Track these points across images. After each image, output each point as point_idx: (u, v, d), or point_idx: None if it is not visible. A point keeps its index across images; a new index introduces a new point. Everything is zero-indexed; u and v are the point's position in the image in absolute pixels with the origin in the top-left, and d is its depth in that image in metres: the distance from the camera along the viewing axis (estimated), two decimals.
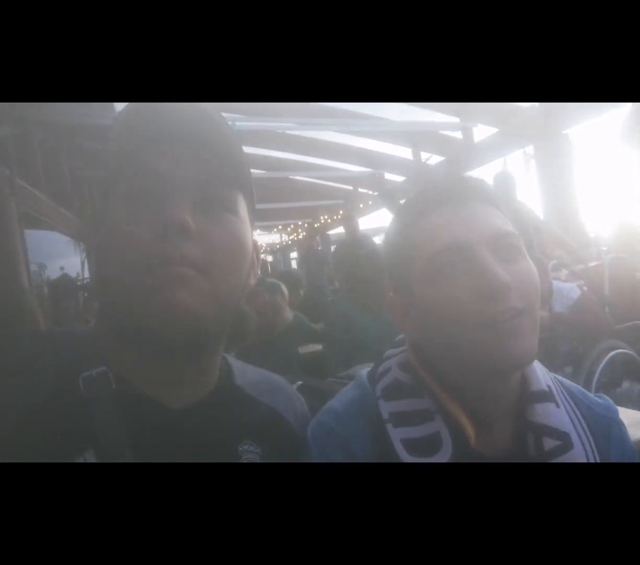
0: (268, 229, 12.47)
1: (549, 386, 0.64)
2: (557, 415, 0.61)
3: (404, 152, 7.44)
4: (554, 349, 2.57)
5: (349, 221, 4.90)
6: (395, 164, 7.71)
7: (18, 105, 3.76)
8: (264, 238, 13.38)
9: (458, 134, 6.40)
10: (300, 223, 11.80)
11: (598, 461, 0.61)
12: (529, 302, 0.56)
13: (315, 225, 10.96)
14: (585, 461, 0.60)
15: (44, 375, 0.51)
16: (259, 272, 0.64)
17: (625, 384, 2.60)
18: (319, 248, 7.66)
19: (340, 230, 11.03)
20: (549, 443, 0.60)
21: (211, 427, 0.57)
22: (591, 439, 0.62)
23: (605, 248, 3.77)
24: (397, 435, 0.59)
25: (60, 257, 4.81)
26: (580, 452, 0.60)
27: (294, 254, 13.93)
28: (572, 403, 0.65)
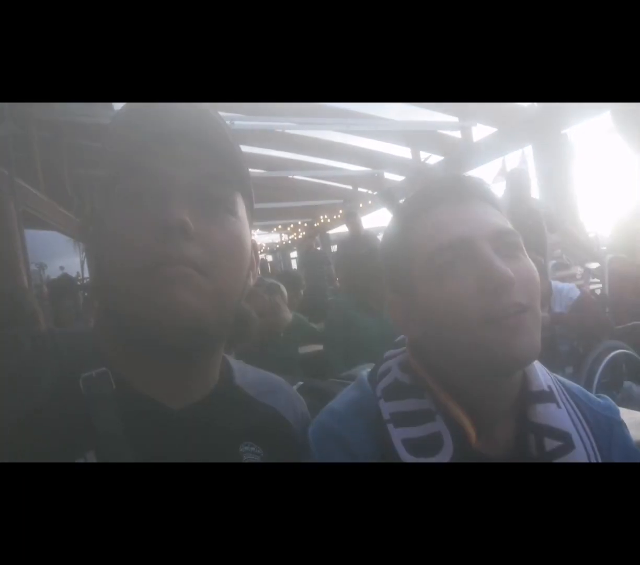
0: (268, 228, 12.47)
1: (549, 387, 0.64)
2: (558, 415, 0.61)
3: (403, 152, 7.45)
4: (554, 350, 2.57)
5: (350, 218, 4.73)
6: (395, 164, 7.72)
7: (18, 104, 3.76)
8: (263, 237, 13.39)
9: (457, 134, 6.41)
10: (299, 223, 11.80)
11: (599, 461, 0.61)
12: (531, 298, 0.56)
13: (315, 225, 10.97)
14: (587, 461, 0.60)
15: (44, 375, 0.51)
16: (259, 272, 0.64)
17: (626, 385, 2.61)
18: (319, 248, 7.65)
19: (340, 229, 11.04)
20: (550, 444, 0.60)
21: (211, 428, 0.57)
22: (593, 440, 0.61)
23: (604, 248, 3.77)
24: (398, 435, 0.59)
25: (60, 256, 4.81)
26: (582, 453, 0.60)
27: (293, 254, 13.93)
28: (573, 403, 0.65)
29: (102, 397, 0.51)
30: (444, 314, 0.57)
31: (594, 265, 3.39)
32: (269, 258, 13.63)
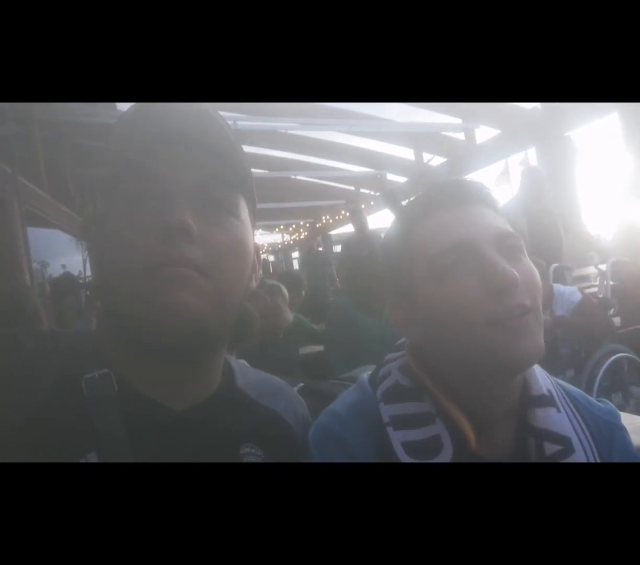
0: (270, 228, 12.48)
1: (549, 391, 0.64)
2: (558, 419, 0.61)
3: (406, 153, 7.45)
4: (555, 353, 2.56)
5: (356, 216, 4.62)
6: (398, 165, 7.72)
7: (20, 104, 3.77)
8: (265, 238, 13.40)
9: (460, 136, 6.40)
10: (301, 223, 11.80)
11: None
12: (534, 300, 0.57)
13: (317, 226, 10.97)
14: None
15: (45, 376, 0.51)
16: (261, 274, 0.64)
17: (627, 388, 2.60)
18: (320, 249, 7.66)
19: (341, 230, 11.04)
20: (550, 448, 0.60)
21: (212, 430, 0.57)
22: (593, 444, 0.61)
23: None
24: (397, 438, 0.59)
25: (62, 255, 4.81)
26: (582, 457, 0.59)
27: (295, 254, 13.93)
28: (573, 407, 0.65)
29: (104, 398, 0.51)
30: (447, 315, 0.57)
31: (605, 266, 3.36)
32: (271, 258, 13.62)
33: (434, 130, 6.51)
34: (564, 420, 0.62)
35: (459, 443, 0.58)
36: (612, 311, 3.17)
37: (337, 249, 10.81)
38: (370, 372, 0.71)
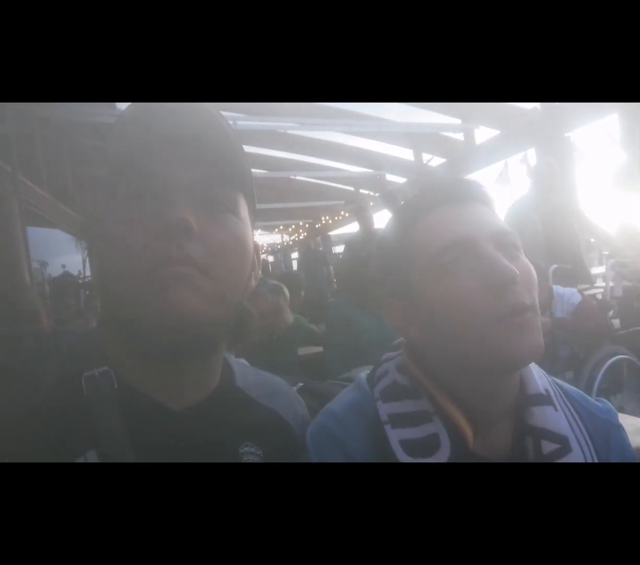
0: (269, 229, 12.47)
1: (546, 390, 0.64)
2: (556, 418, 0.62)
3: (406, 154, 7.44)
4: (554, 355, 2.56)
5: (362, 213, 4.50)
6: (397, 165, 7.72)
7: (20, 103, 3.77)
8: (265, 238, 13.39)
9: (460, 136, 6.40)
10: (301, 223, 11.80)
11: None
12: (533, 297, 0.57)
13: (317, 226, 10.97)
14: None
15: (46, 374, 0.52)
16: (260, 273, 0.65)
17: (626, 390, 2.60)
18: (320, 249, 7.65)
19: (341, 231, 11.04)
20: (547, 446, 0.60)
21: (212, 429, 0.57)
22: (590, 443, 0.62)
23: (606, 252, 3.75)
24: (395, 436, 0.60)
25: (62, 254, 4.81)
26: (579, 456, 0.60)
27: (294, 255, 13.93)
28: (571, 406, 0.65)
29: (104, 396, 0.52)
30: (447, 313, 0.57)
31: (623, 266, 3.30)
32: (270, 259, 13.62)
33: (434, 130, 6.51)
34: (561, 419, 0.62)
35: (456, 441, 0.58)
36: (611, 313, 3.17)
37: (337, 249, 10.82)
38: (368, 372, 0.71)
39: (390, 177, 8.29)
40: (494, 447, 0.62)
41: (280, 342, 2.65)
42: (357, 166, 8.20)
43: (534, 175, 3.70)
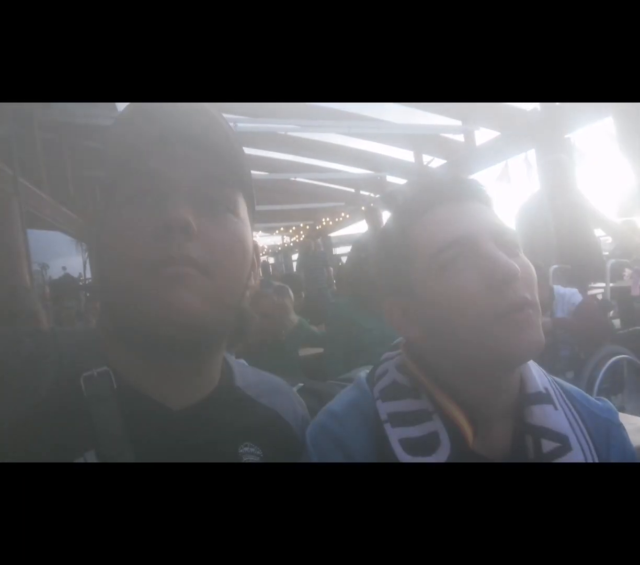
0: (269, 230, 12.47)
1: (546, 388, 0.64)
2: (555, 417, 0.62)
3: (406, 155, 7.44)
4: (555, 355, 2.56)
5: (372, 214, 4.45)
6: (397, 167, 7.71)
7: (21, 105, 3.77)
8: (265, 240, 13.38)
9: (460, 137, 6.40)
10: (301, 225, 11.80)
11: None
12: (533, 294, 0.57)
13: (317, 228, 10.97)
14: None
15: (45, 374, 0.52)
16: (260, 274, 0.65)
17: (627, 390, 2.60)
18: (321, 249, 7.64)
19: (341, 232, 11.03)
20: (547, 445, 0.60)
21: (211, 429, 0.57)
22: (590, 441, 0.62)
23: (606, 253, 3.75)
24: (395, 435, 0.60)
25: (63, 256, 4.81)
26: (579, 454, 0.60)
27: (295, 256, 13.92)
28: (570, 405, 0.65)
29: (103, 396, 0.52)
30: (449, 310, 0.58)
31: None
32: (271, 260, 13.61)
33: (434, 132, 6.50)
34: (561, 418, 0.62)
35: (456, 440, 0.58)
36: (611, 313, 3.17)
37: (337, 250, 10.81)
38: (368, 371, 0.71)
39: (390, 179, 8.28)
40: (493, 446, 0.62)
41: (281, 343, 2.65)
42: (358, 168, 8.19)
43: (544, 172, 3.63)
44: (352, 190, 9.36)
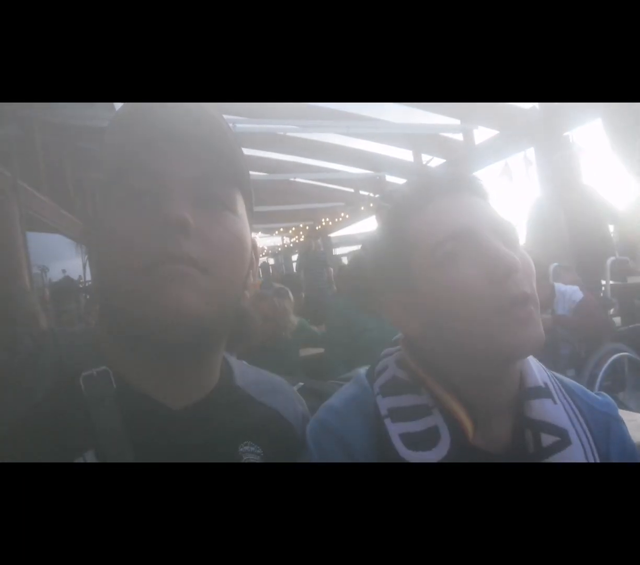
0: (269, 231, 12.47)
1: (545, 383, 0.64)
2: (555, 411, 0.62)
3: (405, 154, 7.44)
4: (555, 353, 2.56)
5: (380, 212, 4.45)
6: (396, 166, 7.71)
7: (21, 107, 3.77)
8: (265, 241, 13.38)
9: (459, 136, 6.40)
10: (301, 225, 11.80)
11: (597, 457, 0.61)
12: (533, 288, 0.58)
13: (317, 228, 10.96)
14: (584, 457, 0.60)
15: (44, 374, 0.52)
16: (260, 274, 0.65)
17: (629, 388, 2.60)
18: (321, 249, 7.65)
19: (341, 232, 11.03)
20: (547, 439, 0.60)
21: (211, 428, 0.57)
22: (590, 435, 0.62)
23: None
24: (395, 430, 0.60)
25: (62, 259, 4.82)
26: (579, 448, 0.60)
27: (295, 257, 13.92)
28: (570, 400, 0.65)
29: (103, 396, 0.51)
30: (449, 304, 0.58)
31: None
32: (271, 261, 13.61)
33: (433, 131, 6.51)
34: (560, 412, 0.62)
35: (456, 434, 0.58)
36: (611, 311, 3.17)
37: (337, 251, 10.80)
38: (367, 368, 0.71)
39: (390, 178, 8.28)
40: (493, 440, 0.62)
41: (282, 344, 2.66)
42: (357, 167, 8.19)
43: (553, 168, 3.57)
44: (352, 190, 9.36)
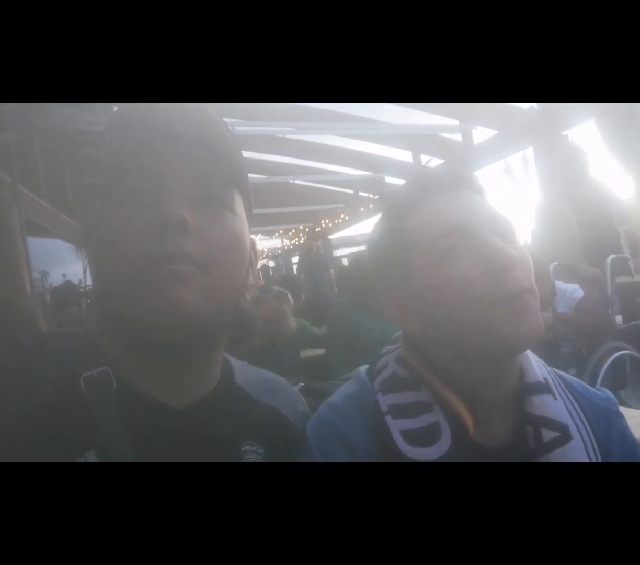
0: (269, 233, 12.47)
1: (545, 379, 0.64)
2: (555, 407, 0.62)
3: (404, 155, 7.45)
4: (556, 351, 2.56)
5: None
6: (396, 167, 7.72)
7: (20, 112, 3.78)
8: (265, 243, 13.38)
9: (457, 137, 6.40)
10: (301, 227, 11.80)
11: (597, 452, 0.61)
12: (531, 281, 0.58)
13: (317, 230, 10.97)
14: (585, 452, 0.60)
15: (45, 375, 0.52)
16: (260, 276, 0.65)
17: (630, 386, 2.59)
18: (321, 251, 7.64)
19: (341, 234, 11.03)
20: (547, 434, 0.60)
21: (212, 427, 0.57)
22: (590, 431, 0.62)
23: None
24: (396, 426, 0.60)
25: (63, 264, 4.82)
26: (579, 444, 0.60)
27: (295, 259, 13.91)
28: (570, 395, 0.65)
29: (103, 396, 0.52)
30: (448, 299, 0.58)
31: None
32: (271, 264, 13.61)
33: (431, 131, 6.51)
34: (561, 408, 0.62)
35: (457, 430, 0.58)
36: (610, 310, 3.16)
37: (337, 252, 10.79)
38: (367, 366, 0.71)
39: (389, 179, 8.29)
40: (494, 436, 0.62)
41: (284, 348, 2.66)
42: (356, 169, 8.20)
43: (563, 163, 3.51)
44: (351, 191, 9.36)
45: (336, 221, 10.22)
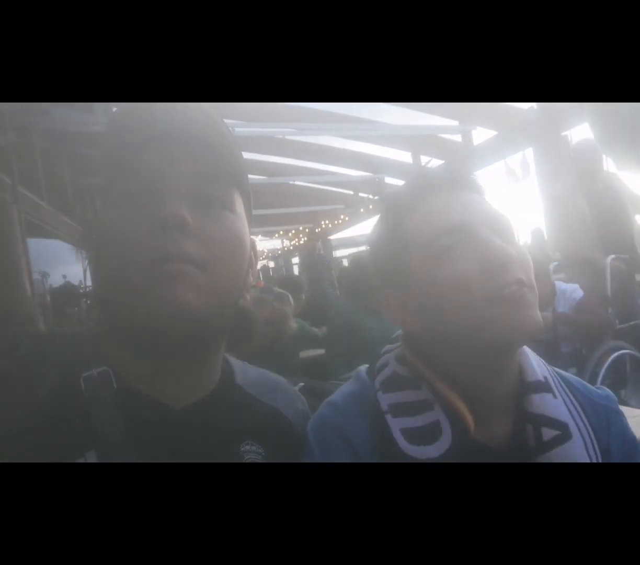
0: (269, 234, 12.47)
1: (545, 377, 0.65)
2: (555, 405, 0.62)
3: (404, 156, 7.45)
4: (556, 351, 2.56)
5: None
6: (395, 168, 7.71)
7: (19, 114, 3.78)
8: (265, 244, 13.38)
9: (457, 137, 6.41)
10: (301, 228, 11.80)
11: (597, 450, 0.61)
12: (529, 276, 0.58)
13: (317, 230, 10.97)
14: (585, 450, 0.60)
15: (45, 375, 0.52)
16: (261, 276, 0.65)
17: (630, 385, 2.59)
18: (322, 252, 7.64)
19: (341, 235, 11.03)
20: (547, 433, 0.60)
21: (212, 427, 0.57)
22: (590, 429, 0.62)
23: None
24: (396, 425, 0.60)
25: (63, 265, 4.81)
26: (579, 442, 0.60)
27: (295, 260, 13.91)
28: (570, 394, 0.65)
29: (103, 396, 0.52)
30: (447, 297, 0.58)
31: None
32: (271, 264, 13.61)
33: (431, 132, 6.52)
34: (561, 406, 0.62)
35: (457, 429, 0.59)
36: (610, 310, 3.15)
37: (337, 253, 10.80)
38: (367, 365, 0.71)
39: (389, 180, 8.29)
40: (494, 435, 0.63)
41: (284, 349, 2.66)
42: (356, 170, 8.20)
43: (577, 157, 3.42)
44: (351, 192, 9.37)
45: (336, 222, 10.22)
